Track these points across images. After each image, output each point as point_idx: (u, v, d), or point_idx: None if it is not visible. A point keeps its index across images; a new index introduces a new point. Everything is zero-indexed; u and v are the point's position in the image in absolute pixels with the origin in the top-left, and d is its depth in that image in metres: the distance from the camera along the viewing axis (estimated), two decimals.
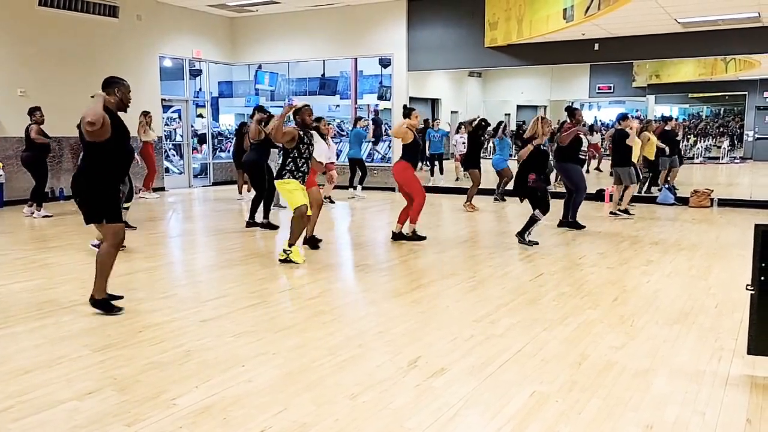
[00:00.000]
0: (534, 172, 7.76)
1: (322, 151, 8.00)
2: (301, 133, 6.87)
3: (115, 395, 3.56)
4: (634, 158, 10.96)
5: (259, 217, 9.34)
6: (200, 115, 17.04)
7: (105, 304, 5.10)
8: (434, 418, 3.29)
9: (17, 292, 5.86)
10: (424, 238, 8.27)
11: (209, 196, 14.35)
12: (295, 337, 4.59)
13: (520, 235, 8.05)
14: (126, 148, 5.13)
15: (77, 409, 3.39)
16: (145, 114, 13.12)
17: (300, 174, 6.87)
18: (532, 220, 7.98)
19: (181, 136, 16.23)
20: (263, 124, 9.20)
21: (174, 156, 16.32)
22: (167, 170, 15.68)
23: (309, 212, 7.05)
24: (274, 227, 9.17)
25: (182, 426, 3.20)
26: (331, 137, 12.43)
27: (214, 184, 16.37)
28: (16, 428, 3.19)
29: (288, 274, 6.74)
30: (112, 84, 5.04)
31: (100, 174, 4.97)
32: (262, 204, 9.41)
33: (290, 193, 6.85)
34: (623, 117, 10.52)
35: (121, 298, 5.48)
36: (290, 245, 6.90)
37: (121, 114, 5.11)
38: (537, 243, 8.09)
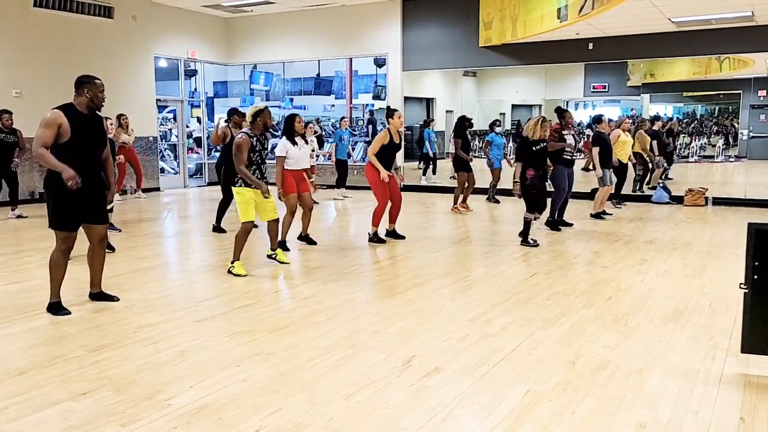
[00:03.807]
0: (533, 169, 7.74)
1: (295, 156, 7.51)
2: (254, 139, 6.42)
3: (110, 395, 3.56)
4: (624, 157, 10.94)
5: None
6: (197, 118, 17.01)
7: (51, 306, 5.14)
8: (428, 417, 3.30)
9: (13, 292, 5.85)
10: (383, 241, 8.24)
11: (204, 196, 14.34)
12: (289, 337, 4.60)
13: (524, 242, 8.01)
14: (88, 150, 5.03)
15: (72, 409, 3.39)
16: (119, 116, 12.67)
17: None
18: (527, 222, 7.96)
19: (176, 136, 16.21)
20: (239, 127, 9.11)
21: (169, 156, 16.30)
22: (162, 170, 15.67)
23: (276, 217, 6.81)
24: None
25: (177, 426, 3.20)
26: (313, 135, 12.21)
27: (210, 184, 16.36)
28: (10, 429, 3.18)
29: (282, 274, 6.74)
30: (82, 84, 4.99)
31: (56, 177, 4.93)
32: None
33: (240, 205, 6.52)
34: (598, 119, 10.29)
35: (116, 299, 5.48)
36: (232, 261, 6.60)
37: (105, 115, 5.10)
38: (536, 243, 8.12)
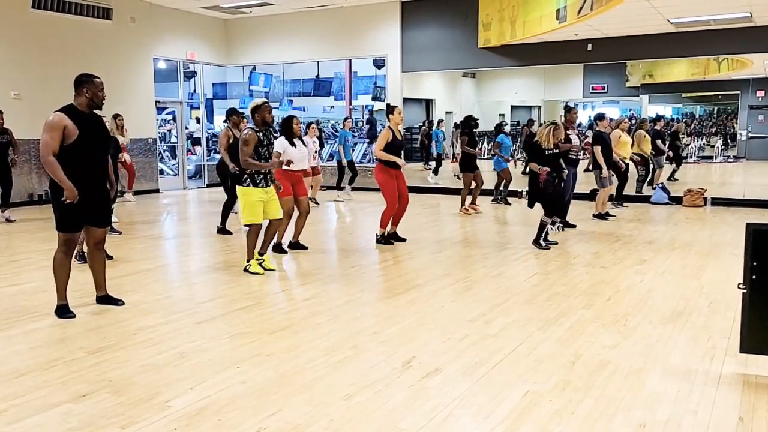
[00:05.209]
0: (547, 173, 7.62)
1: (292, 156, 7.40)
2: (260, 134, 6.41)
3: (110, 397, 3.56)
4: (625, 157, 10.93)
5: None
6: (196, 119, 17.01)
7: (58, 309, 5.13)
8: (428, 418, 3.30)
9: (12, 294, 5.85)
10: (391, 243, 8.20)
11: (204, 197, 14.34)
12: (289, 339, 4.60)
13: (536, 242, 7.92)
14: (94, 150, 5.02)
15: (72, 411, 3.39)
16: (116, 117, 12.36)
17: (261, 177, 6.43)
18: (543, 225, 7.91)
19: (176, 137, 16.22)
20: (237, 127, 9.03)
21: (168, 158, 16.31)
22: (161, 172, 15.67)
23: (279, 217, 6.79)
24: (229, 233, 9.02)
25: (177, 428, 3.21)
26: (315, 138, 12.18)
27: (209, 185, 16.36)
28: (10, 431, 3.19)
29: (282, 275, 6.74)
30: (81, 83, 4.96)
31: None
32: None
33: (246, 206, 6.49)
34: (600, 117, 10.24)
35: (122, 303, 5.43)
36: (248, 260, 6.62)
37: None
38: (555, 243, 8.10)
